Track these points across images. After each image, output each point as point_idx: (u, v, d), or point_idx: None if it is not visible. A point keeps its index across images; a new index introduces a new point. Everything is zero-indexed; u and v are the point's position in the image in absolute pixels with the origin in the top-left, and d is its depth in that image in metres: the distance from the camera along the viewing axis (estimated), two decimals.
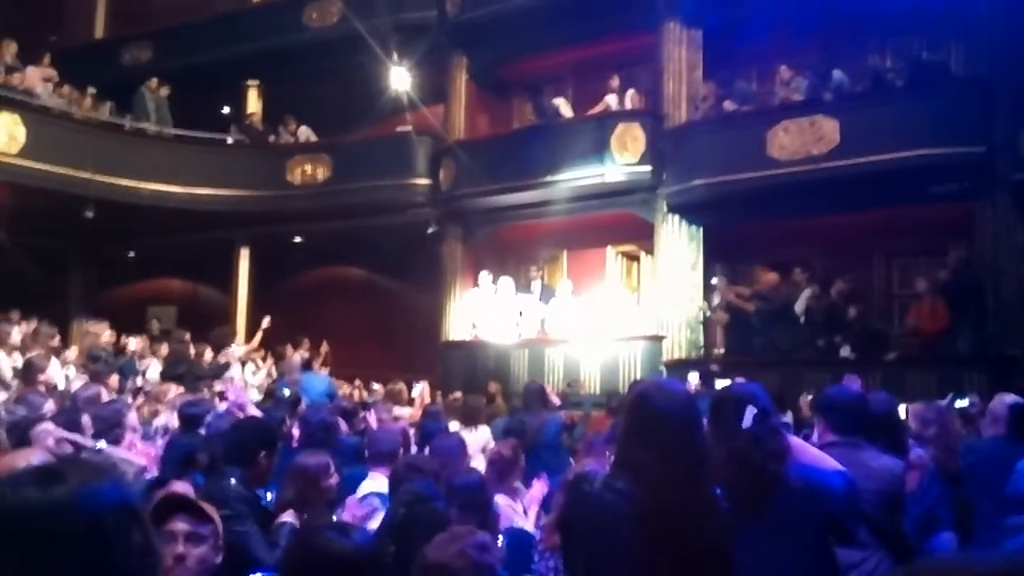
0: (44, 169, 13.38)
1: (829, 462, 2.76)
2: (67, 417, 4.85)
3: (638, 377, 10.88)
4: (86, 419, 5.01)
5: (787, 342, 10.91)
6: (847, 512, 2.78)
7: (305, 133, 15.85)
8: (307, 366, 11.17)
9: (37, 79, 14.16)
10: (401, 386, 9.09)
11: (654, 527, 2.34)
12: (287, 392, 8.64)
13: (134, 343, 11.38)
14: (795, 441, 2.78)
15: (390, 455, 4.37)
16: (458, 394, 9.72)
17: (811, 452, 2.82)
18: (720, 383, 5.21)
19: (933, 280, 10.53)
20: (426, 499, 2.94)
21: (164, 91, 15.66)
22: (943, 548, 4.32)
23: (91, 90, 15.12)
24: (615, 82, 13.08)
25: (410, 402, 8.89)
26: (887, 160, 10.21)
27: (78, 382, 8.35)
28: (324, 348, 12.00)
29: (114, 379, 8.59)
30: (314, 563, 1.70)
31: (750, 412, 2.62)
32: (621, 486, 2.40)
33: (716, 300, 11.93)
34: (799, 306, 10.95)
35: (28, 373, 7.29)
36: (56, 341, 9.46)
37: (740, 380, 4.93)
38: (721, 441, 2.68)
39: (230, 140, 15.98)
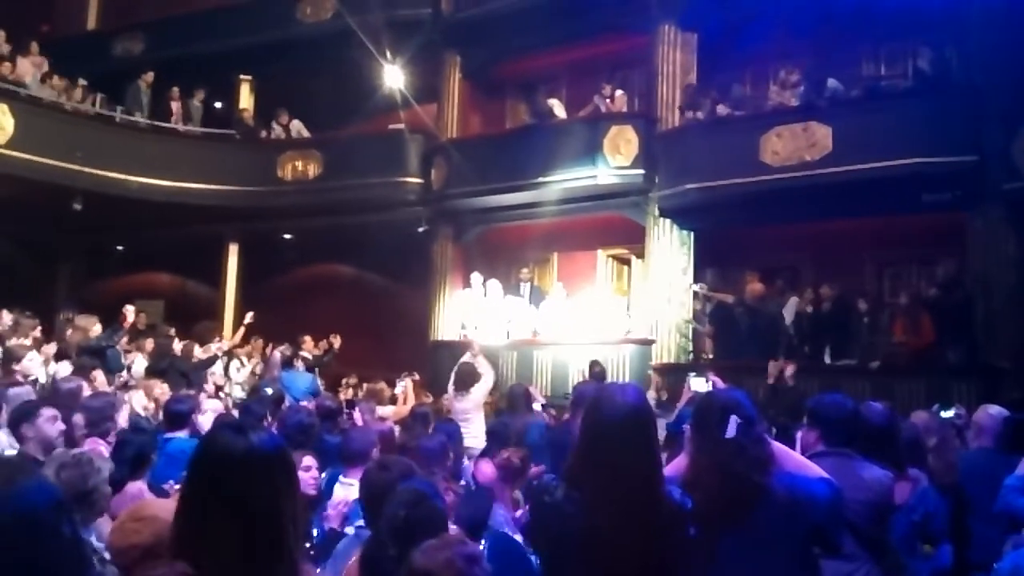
0: (32, 160, 13.28)
1: (814, 469, 2.69)
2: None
3: (627, 380, 10.79)
4: (78, 417, 4.87)
5: (773, 349, 10.82)
6: (832, 521, 2.70)
7: (297, 127, 15.76)
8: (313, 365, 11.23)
9: (27, 69, 14.04)
10: (382, 385, 8.99)
11: (600, 545, 2.29)
12: (270, 391, 8.53)
13: (131, 315, 10.89)
14: (779, 448, 2.71)
15: (362, 456, 4.30)
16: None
17: (796, 459, 2.75)
18: (695, 383, 5.09)
19: (914, 295, 10.48)
20: (428, 498, 2.87)
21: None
22: (943, 562, 4.23)
23: (82, 81, 15.02)
24: (607, 90, 12.96)
25: (392, 400, 8.79)
26: (879, 168, 10.15)
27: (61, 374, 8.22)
28: (336, 343, 12.20)
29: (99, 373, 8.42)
30: (211, 462, 1.74)
31: (734, 421, 2.54)
32: (580, 496, 2.35)
33: (699, 307, 11.89)
34: (788, 314, 10.89)
35: (5, 361, 7.23)
36: (38, 332, 9.33)
37: (721, 385, 4.83)
38: (703, 449, 2.61)
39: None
